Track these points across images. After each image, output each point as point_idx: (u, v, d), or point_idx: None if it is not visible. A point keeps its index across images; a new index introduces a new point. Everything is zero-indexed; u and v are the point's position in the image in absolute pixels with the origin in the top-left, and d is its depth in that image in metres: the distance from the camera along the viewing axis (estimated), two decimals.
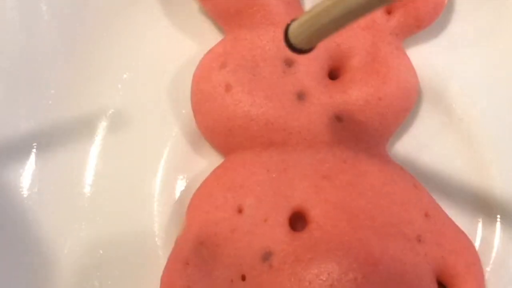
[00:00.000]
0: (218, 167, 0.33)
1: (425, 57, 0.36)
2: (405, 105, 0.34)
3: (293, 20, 0.25)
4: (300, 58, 0.33)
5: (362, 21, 0.34)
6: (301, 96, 0.33)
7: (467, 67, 0.36)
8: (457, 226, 0.33)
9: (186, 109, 0.35)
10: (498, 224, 0.34)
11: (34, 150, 0.34)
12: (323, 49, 0.33)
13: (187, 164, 0.35)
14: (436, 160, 0.35)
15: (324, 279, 0.29)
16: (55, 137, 0.35)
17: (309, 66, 0.33)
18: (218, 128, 0.33)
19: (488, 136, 0.35)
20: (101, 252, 0.34)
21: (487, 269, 0.33)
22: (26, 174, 0.34)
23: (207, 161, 0.35)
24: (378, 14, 0.34)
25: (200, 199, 0.33)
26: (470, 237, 0.33)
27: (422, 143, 0.35)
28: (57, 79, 0.35)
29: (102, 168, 0.35)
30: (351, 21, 0.22)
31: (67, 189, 0.34)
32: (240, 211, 0.31)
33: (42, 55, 0.35)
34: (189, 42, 0.36)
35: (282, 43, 0.25)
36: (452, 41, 0.36)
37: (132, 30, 0.36)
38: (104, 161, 0.35)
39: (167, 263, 0.32)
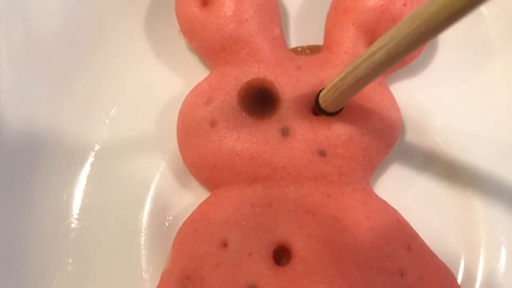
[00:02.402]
0: (204, 202, 0.34)
1: (409, 92, 0.37)
2: (388, 140, 0.35)
3: (321, 90, 0.29)
4: (284, 94, 0.34)
5: (345, 57, 0.35)
6: (285, 131, 0.34)
7: (449, 102, 0.37)
8: (439, 260, 0.33)
9: (173, 144, 0.36)
10: (481, 258, 0.35)
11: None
12: (307, 85, 0.34)
13: (174, 198, 0.36)
14: (420, 194, 0.36)
15: None
16: (43, 172, 0.35)
17: (293, 102, 0.34)
18: (204, 163, 0.34)
19: (470, 170, 0.36)
20: (89, 286, 0.35)
21: None
22: (13, 208, 0.35)
23: (194, 196, 0.36)
24: (361, 50, 0.35)
25: (186, 233, 0.33)
26: (452, 270, 0.34)
27: (406, 177, 0.37)
28: (45, 114, 0.36)
29: (89, 202, 0.36)
30: (365, 85, 0.27)
31: (54, 223, 0.35)
32: (225, 245, 0.32)
33: (30, 91, 0.36)
34: (176, 78, 0.38)
35: None
36: (435, 77, 0.37)
37: (120, 66, 0.37)
38: (91, 196, 0.36)
39: None
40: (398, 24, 0.23)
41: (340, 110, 0.32)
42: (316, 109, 0.33)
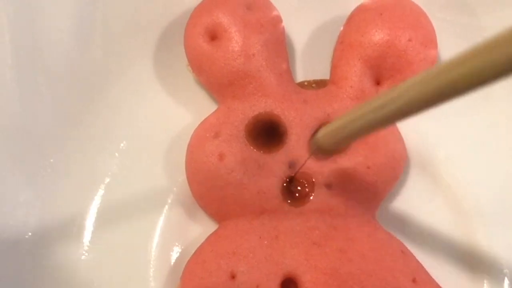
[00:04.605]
0: (212, 234, 0.35)
1: (413, 125, 0.37)
2: (393, 173, 0.36)
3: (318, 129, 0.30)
4: (291, 128, 0.35)
5: (351, 91, 0.36)
6: (292, 165, 0.35)
7: (453, 135, 0.38)
8: None
9: (182, 176, 0.37)
10: None
11: (31, 217, 0.36)
12: (313, 118, 0.35)
13: (183, 230, 0.37)
14: (424, 225, 0.37)
15: None
16: (53, 205, 0.36)
17: (300, 136, 0.35)
18: (212, 196, 0.35)
19: (474, 201, 0.37)
20: None
21: None
22: (24, 242, 0.36)
23: (202, 228, 0.37)
24: (367, 85, 0.36)
25: (194, 265, 0.34)
26: None
27: (411, 209, 0.38)
28: (56, 148, 0.37)
29: (99, 234, 0.37)
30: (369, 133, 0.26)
31: (64, 255, 0.36)
32: (233, 277, 0.33)
33: (41, 125, 0.36)
34: (185, 112, 0.39)
35: None
36: (439, 110, 0.37)
37: (129, 100, 0.38)
38: (101, 228, 0.37)
39: None
40: (411, 80, 0.24)
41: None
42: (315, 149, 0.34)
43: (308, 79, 0.39)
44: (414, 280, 0.34)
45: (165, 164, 0.38)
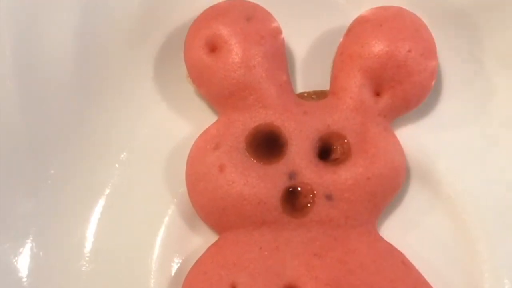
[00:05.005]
0: (212, 245, 0.35)
1: (413, 136, 0.38)
2: (393, 184, 0.36)
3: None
4: (291, 139, 0.35)
5: (351, 102, 0.36)
6: (292, 176, 0.35)
7: (454, 146, 0.38)
8: None
9: (182, 188, 0.37)
10: None
11: (32, 228, 0.36)
12: (313, 130, 0.36)
13: (183, 241, 0.37)
14: (425, 236, 0.37)
15: None
16: (53, 216, 0.37)
17: (300, 147, 0.35)
18: (212, 207, 0.35)
19: (475, 213, 0.37)
20: None
21: None
22: (24, 252, 0.36)
23: (203, 239, 0.37)
24: (367, 96, 0.36)
25: (195, 276, 0.35)
26: None
27: (411, 220, 0.38)
28: (57, 159, 0.37)
29: (100, 245, 0.37)
30: None
31: (65, 265, 0.36)
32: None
33: (42, 137, 0.37)
34: (185, 123, 0.39)
35: None
36: (439, 121, 0.38)
37: (130, 111, 0.39)
38: (102, 239, 0.37)
39: None
40: None
41: None
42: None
43: (308, 90, 0.39)
44: None
45: (166, 175, 0.38)
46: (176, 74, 0.38)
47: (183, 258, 0.37)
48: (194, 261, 0.35)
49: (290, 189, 0.35)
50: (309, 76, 0.39)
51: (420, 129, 0.38)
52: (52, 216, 0.37)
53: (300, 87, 0.39)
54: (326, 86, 0.38)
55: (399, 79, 0.36)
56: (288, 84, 0.37)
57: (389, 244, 0.36)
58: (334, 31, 0.39)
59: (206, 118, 0.38)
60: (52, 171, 0.37)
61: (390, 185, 0.36)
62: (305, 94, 0.39)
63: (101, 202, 0.37)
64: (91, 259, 0.37)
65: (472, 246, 0.37)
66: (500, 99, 0.38)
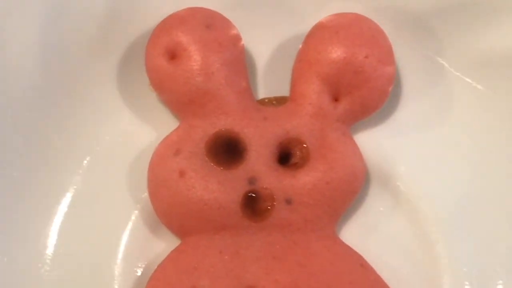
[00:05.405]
0: (174, 250, 0.36)
1: (372, 141, 0.38)
2: (352, 189, 0.37)
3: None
4: (251, 145, 0.36)
5: (310, 108, 0.37)
6: (252, 181, 0.35)
7: (412, 150, 0.39)
8: None
9: (146, 193, 0.37)
10: None
11: None
12: (273, 135, 0.36)
13: (146, 246, 0.38)
14: (384, 240, 0.38)
15: None
16: (14, 222, 0.37)
17: (260, 152, 0.36)
18: (173, 212, 0.36)
19: (433, 216, 0.38)
20: None
21: None
22: None
23: (166, 244, 0.37)
24: (325, 102, 0.37)
25: (157, 281, 0.35)
26: None
27: (370, 223, 0.38)
28: (19, 163, 0.37)
29: (62, 251, 0.37)
30: None
31: (27, 272, 0.36)
32: None
33: (4, 141, 0.37)
34: (148, 129, 0.39)
35: None
36: (398, 126, 0.39)
37: (93, 118, 0.39)
38: (64, 245, 0.37)
39: None
40: None
41: None
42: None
43: (268, 96, 0.39)
44: None
45: (129, 180, 0.38)
46: (139, 81, 0.39)
47: (146, 263, 0.37)
48: (156, 266, 0.36)
49: (250, 194, 0.35)
50: (270, 82, 0.40)
51: (379, 133, 0.39)
52: (13, 220, 0.37)
53: (261, 93, 0.40)
54: (286, 92, 0.39)
55: (356, 85, 0.36)
56: (248, 90, 0.38)
57: (348, 247, 0.36)
58: (294, 37, 0.39)
59: (169, 124, 0.38)
60: (14, 174, 0.37)
61: (349, 189, 0.36)
62: (266, 100, 0.39)
63: (64, 207, 0.38)
64: (53, 264, 0.37)
65: (431, 248, 0.37)
66: (459, 104, 0.39)
